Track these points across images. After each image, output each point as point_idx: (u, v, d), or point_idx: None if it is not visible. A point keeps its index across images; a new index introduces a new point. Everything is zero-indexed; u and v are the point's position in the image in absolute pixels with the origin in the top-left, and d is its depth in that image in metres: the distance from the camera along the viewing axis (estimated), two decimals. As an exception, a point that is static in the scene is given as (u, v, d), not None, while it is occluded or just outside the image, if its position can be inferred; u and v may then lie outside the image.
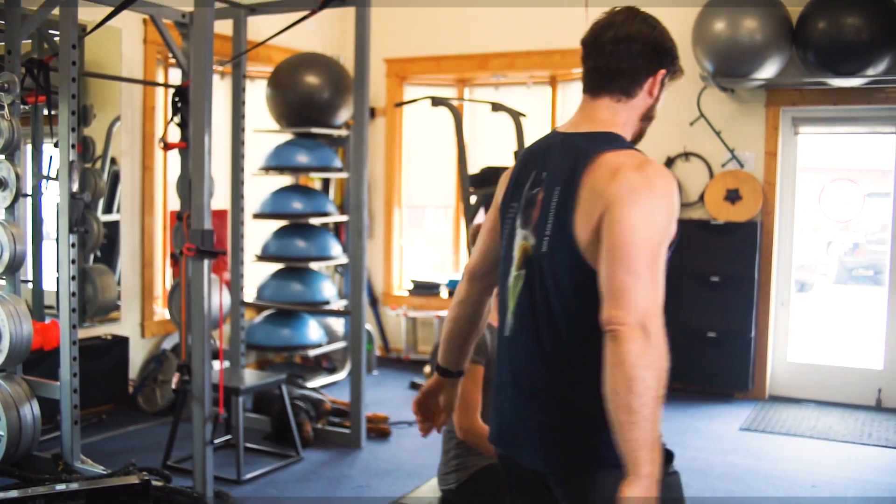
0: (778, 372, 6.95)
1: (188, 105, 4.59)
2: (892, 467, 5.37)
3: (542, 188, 2.07)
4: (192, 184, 4.30)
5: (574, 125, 2.14)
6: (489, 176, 6.56)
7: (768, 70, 6.22)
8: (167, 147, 5.12)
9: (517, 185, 2.17)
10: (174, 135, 5.40)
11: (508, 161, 6.79)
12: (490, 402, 3.24)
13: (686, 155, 7.00)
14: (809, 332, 7.10)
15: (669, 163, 7.00)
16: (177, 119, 5.08)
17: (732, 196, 6.70)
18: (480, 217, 6.51)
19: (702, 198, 6.91)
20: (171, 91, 5.15)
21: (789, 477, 5.04)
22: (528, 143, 6.64)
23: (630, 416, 1.77)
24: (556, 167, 2.06)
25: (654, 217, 1.89)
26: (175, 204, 5.77)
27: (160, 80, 6.48)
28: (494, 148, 7.73)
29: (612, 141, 2.04)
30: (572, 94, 7.71)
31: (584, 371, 1.96)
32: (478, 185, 6.56)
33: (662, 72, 2.11)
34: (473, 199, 6.52)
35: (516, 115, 6.70)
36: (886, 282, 6.72)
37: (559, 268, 1.99)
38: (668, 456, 2.02)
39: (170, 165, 6.60)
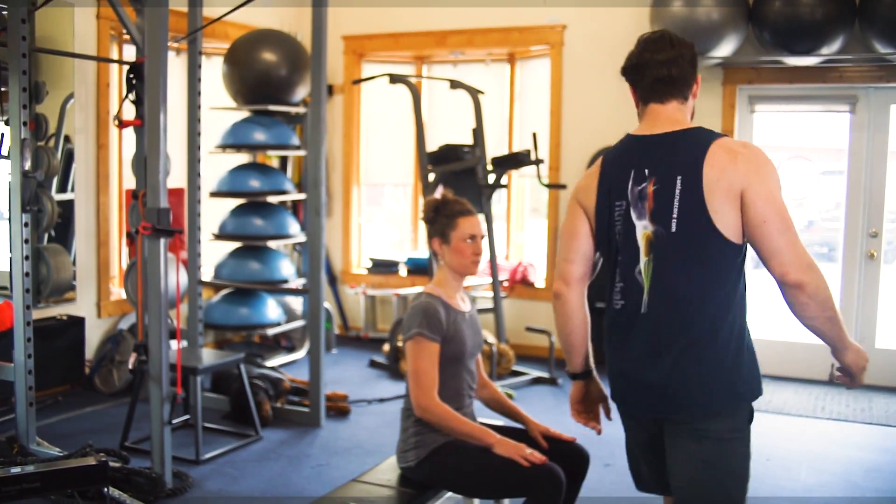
0: (733, 347, 7.02)
1: (143, 82, 4.52)
2: (844, 440, 5.47)
3: (652, 181, 2.51)
4: (147, 162, 4.25)
5: (655, 127, 2.60)
6: (447, 153, 6.54)
7: (725, 48, 6.26)
8: (122, 125, 5.03)
9: (615, 185, 2.59)
10: (129, 112, 5.32)
11: (467, 138, 6.77)
12: (446, 379, 3.26)
13: (644, 133, 7.03)
14: (765, 309, 7.18)
15: (627, 140, 7.03)
16: (132, 96, 5.00)
17: (689, 173, 6.75)
18: (438, 193, 6.50)
19: (659, 175, 6.95)
20: (126, 68, 5.06)
21: (744, 451, 5.11)
22: (484, 119, 6.68)
23: (832, 322, 2.46)
24: (667, 161, 2.51)
25: (778, 183, 2.49)
26: (131, 182, 5.69)
27: (114, 56, 6.39)
28: (453, 125, 7.72)
29: (708, 132, 2.54)
30: (531, 71, 7.72)
31: (724, 326, 2.48)
32: (436, 162, 6.54)
33: (699, 77, 2.68)
34: (432, 177, 6.51)
35: (475, 93, 6.69)
36: (840, 258, 6.82)
37: (695, 242, 2.46)
38: (750, 415, 2.58)
39: (125, 143, 6.52)
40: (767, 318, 7.09)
